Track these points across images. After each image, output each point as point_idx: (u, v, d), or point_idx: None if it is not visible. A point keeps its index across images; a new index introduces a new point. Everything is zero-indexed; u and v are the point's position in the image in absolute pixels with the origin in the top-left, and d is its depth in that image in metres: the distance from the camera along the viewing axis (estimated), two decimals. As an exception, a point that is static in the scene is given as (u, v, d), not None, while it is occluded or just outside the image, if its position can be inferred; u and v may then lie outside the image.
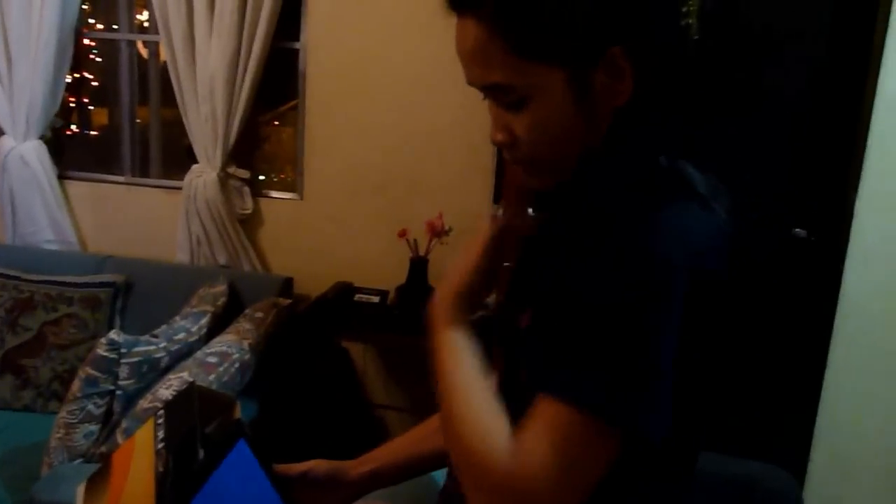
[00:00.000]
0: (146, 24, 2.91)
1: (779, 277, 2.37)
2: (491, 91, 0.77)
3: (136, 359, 1.99)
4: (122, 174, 2.95)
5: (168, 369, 2.05)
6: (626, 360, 0.68)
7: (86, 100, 3.18)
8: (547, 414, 0.69)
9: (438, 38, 2.64)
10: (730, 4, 2.27)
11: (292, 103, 2.76)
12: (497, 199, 2.42)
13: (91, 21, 3.06)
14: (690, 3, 2.48)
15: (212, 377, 1.99)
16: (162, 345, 2.08)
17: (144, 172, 2.96)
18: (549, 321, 0.73)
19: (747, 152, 2.30)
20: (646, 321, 0.68)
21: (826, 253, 2.28)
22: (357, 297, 2.48)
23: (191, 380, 1.91)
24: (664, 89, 0.78)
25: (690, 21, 2.49)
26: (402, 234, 2.42)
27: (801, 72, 2.31)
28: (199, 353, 2.09)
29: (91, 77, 3.13)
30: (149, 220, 2.87)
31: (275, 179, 2.96)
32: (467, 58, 0.77)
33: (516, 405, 0.74)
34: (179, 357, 2.11)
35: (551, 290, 0.75)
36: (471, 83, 0.79)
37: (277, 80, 2.70)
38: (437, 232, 2.39)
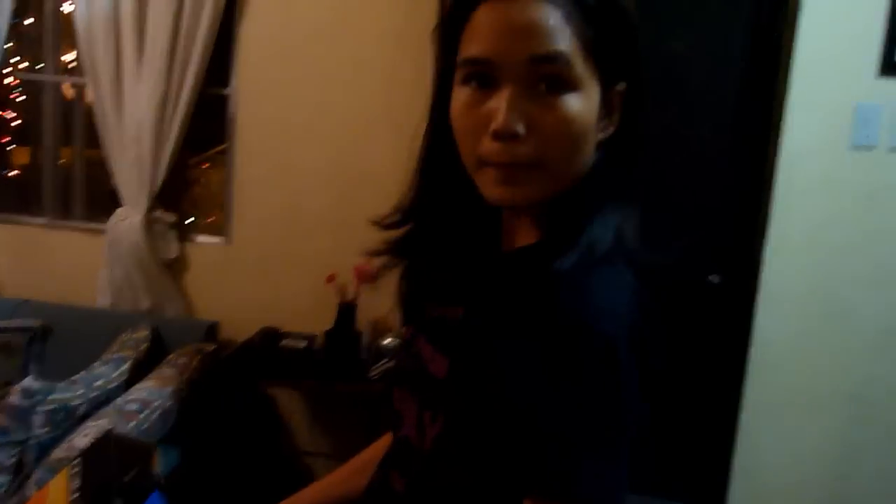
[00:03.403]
0: (72, 65, 2.88)
1: (695, 322, 2.46)
2: (540, 64, 0.72)
3: (51, 406, 1.93)
4: (42, 215, 2.88)
5: (86, 417, 1.99)
6: (606, 443, 0.69)
7: (6, 139, 3.11)
8: None
9: (369, 83, 2.70)
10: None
11: (222, 146, 2.76)
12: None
13: (16, 59, 3.00)
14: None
15: (131, 425, 1.94)
16: (80, 392, 2.02)
17: (67, 214, 2.90)
18: (506, 420, 0.71)
19: (663, 202, 2.40)
20: (610, 401, 0.69)
21: (738, 297, 2.39)
22: (284, 342, 2.46)
23: (109, 427, 1.87)
24: (635, 133, 0.82)
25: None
26: (331, 278, 2.42)
27: (713, 127, 2.44)
28: (118, 400, 2.04)
29: (12, 116, 3.07)
30: (70, 264, 2.80)
31: (205, 222, 2.94)
32: (526, 29, 0.72)
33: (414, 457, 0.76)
34: (98, 404, 2.05)
35: (496, 384, 0.73)
36: (507, 58, 0.73)
37: (208, 123, 2.70)
38: (366, 277, 2.41)
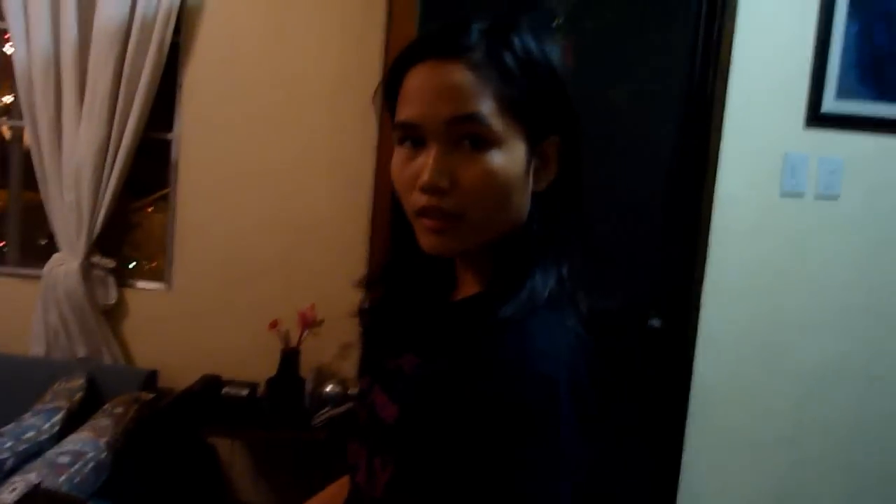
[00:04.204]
0: (11, 105, 2.82)
1: (637, 366, 2.50)
2: (460, 124, 0.77)
3: (-24, 461, 1.85)
4: (-26, 261, 2.79)
5: (14, 471, 1.91)
6: (550, 485, 0.69)
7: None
8: None
9: (313, 130, 2.72)
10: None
11: (165, 191, 2.73)
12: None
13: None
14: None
15: (62, 479, 1.86)
16: (7, 445, 1.94)
17: (0, 259, 2.81)
18: (452, 465, 0.72)
19: (603, 248, 2.45)
20: (551, 441, 0.71)
21: (679, 341, 2.43)
22: (225, 390, 2.41)
23: (37, 482, 1.79)
24: (573, 182, 0.86)
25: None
26: (274, 325, 2.40)
27: (651, 175, 2.51)
28: (49, 453, 1.96)
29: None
30: (2, 310, 2.71)
31: (147, 267, 2.88)
32: (445, 92, 0.78)
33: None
34: (27, 458, 1.97)
35: (441, 429, 0.74)
36: (430, 120, 0.78)
37: (152, 167, 2.67)
38: (310, 323, 2.39)
